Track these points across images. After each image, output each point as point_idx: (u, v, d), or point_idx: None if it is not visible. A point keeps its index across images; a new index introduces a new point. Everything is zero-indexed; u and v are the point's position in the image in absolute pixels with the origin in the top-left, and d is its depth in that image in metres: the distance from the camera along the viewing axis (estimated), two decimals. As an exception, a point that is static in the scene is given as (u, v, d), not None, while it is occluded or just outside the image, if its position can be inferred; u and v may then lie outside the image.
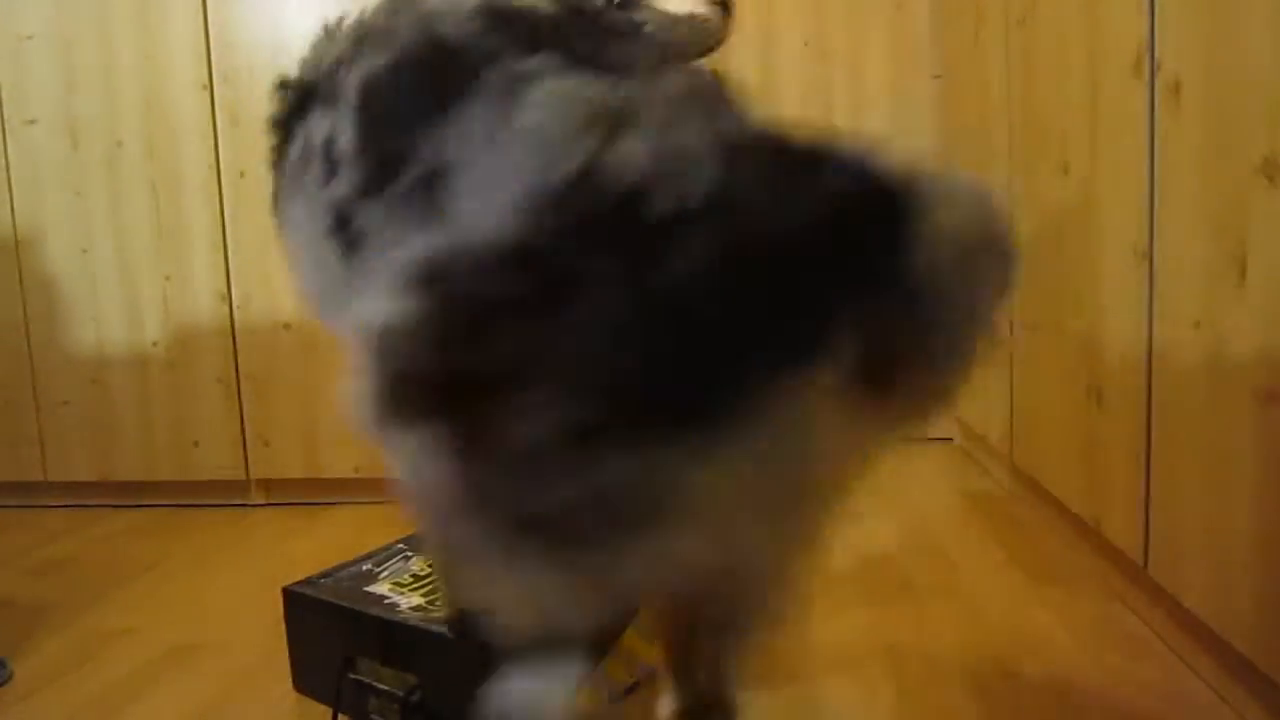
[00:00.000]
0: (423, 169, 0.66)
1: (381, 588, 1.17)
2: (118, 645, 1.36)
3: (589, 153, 0.59)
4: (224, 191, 1.98)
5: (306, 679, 1.20)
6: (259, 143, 0.86)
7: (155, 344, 2.04)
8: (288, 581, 1.23)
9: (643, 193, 0.57)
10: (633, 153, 0.59)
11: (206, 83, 1.96)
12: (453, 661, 1.02)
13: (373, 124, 0.73)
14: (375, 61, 0.73)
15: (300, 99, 0.81)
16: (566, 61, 0.68)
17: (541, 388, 0.56)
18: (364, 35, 0.77)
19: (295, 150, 0.81)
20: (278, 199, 0.86)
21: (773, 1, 2.37)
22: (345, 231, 0.74)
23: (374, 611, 1.10)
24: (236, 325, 2.01)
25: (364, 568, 1.25)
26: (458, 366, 0.59)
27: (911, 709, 1.08)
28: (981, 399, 2.04)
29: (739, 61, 2.40)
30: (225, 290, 2.00)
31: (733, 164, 0.60)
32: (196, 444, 2.04)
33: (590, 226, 0.58)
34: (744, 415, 0.57)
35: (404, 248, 0.64)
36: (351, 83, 0.75)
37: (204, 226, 2.00)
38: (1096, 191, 1.33)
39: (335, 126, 0.75)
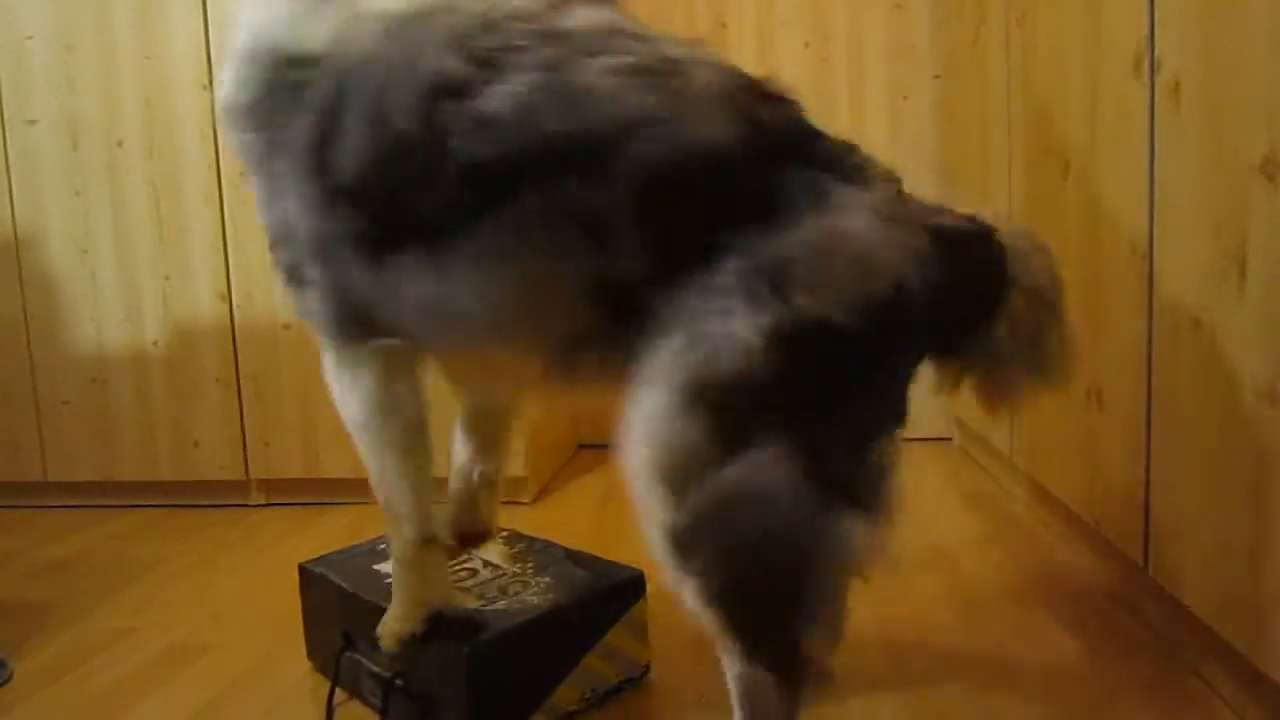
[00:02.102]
0: (748, 263, 0.79)
1: (387, 566, 1.20)
2: (118, 645, 1.36)
3: (898, 270, 0.79)
4: (224, 191, 1.98)
5: (316, 654, 1.25)
6: (259, 143, 0.86)
7: (155, 344, 2.04)
8: (287, 582, 1.24)
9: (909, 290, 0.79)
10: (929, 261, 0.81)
11: (206, 83, 1.96)
12: (429, 650, 1.04)
13: (659, 212, 0.81)
14: (652, 149, 0.80)
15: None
16: (826, 169, 0.84)
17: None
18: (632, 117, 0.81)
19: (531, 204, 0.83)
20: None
21: (773, 1, 2.38)
22: (616, 301, 0.84)
23: (368, 595, 1.13)
24: (236, 325, 2.01)
25: (378, 547, 1.28)
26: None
27: (912, 709, 1.08)
28: (981, 399, 2.04)
29: (739, 62, 2.40)
30: (225, 290, 2.00)
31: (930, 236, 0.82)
32: (196, 444, 2.04)
33: (902, 327, 0.81)
34: None
35: (737, 318, 0.78)
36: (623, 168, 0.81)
37: (204, 226, 2.00)
38: (1096, 191, 1.33)
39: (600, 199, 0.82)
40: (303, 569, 1.25)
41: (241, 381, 2.02)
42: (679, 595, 0.81)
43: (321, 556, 1.27)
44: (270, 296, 1.99)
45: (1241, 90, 0.94)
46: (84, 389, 2.06)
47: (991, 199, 1.90)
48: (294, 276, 0.96)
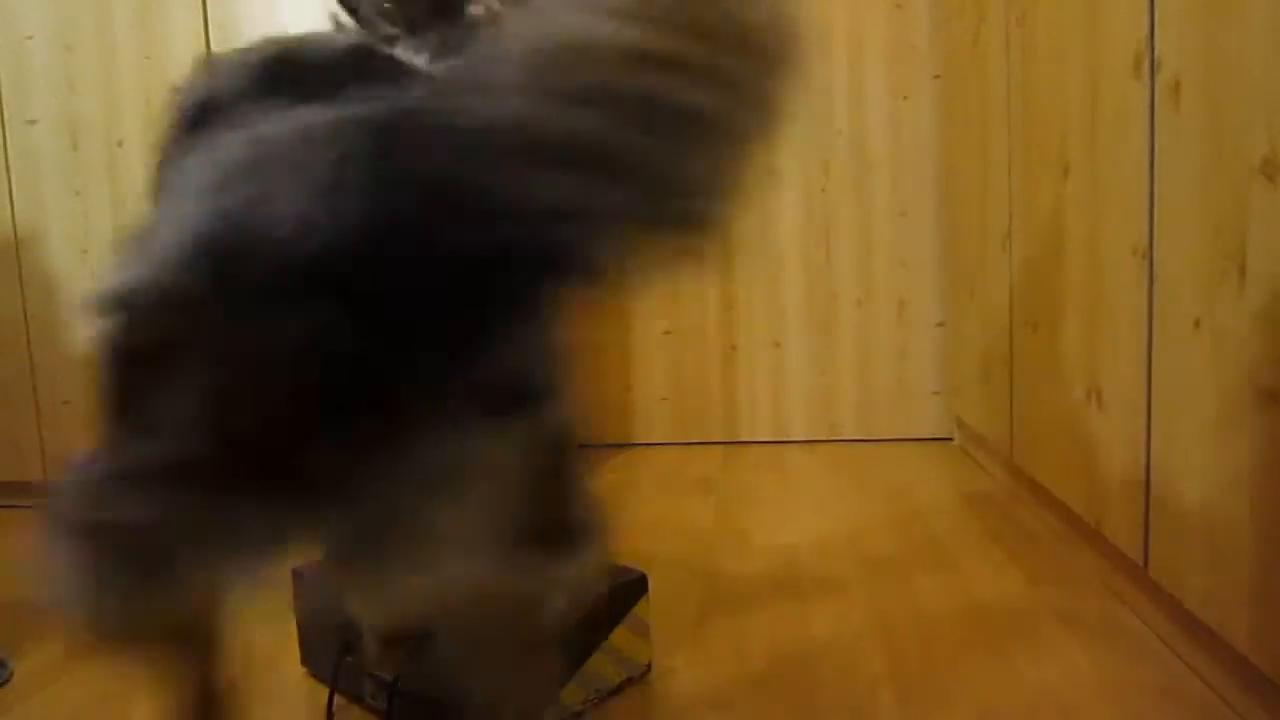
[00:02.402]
0: (151, 213, 0.66)
1: None
2: (118, 645, 1.36)
3: (216, 205, 0.55)
4: (224, 191, 1.99)
5: (311, 659, 1.23)
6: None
7: (155, 344, 2.04)
8: (286, 581, 1.23)
9: (269, 244, 0.52)
10: (253, 203, 0.54)
11: (206, 83, 1.96)
12: (430, 651, 1.03)
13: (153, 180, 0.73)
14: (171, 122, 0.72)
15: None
16: (307, 99, 0.61)
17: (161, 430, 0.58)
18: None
19: None
20: None
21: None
22: None
23: None
24: (236, 325, 2.01)
25: None
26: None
27: (912, 709, 1.08)
28: (981, 399, 2.04)
29: (739, 61, 2.40)
30: (225, 290, 2.00)
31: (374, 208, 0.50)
32: (196, 444, 2.04)
33: (218, 279, 0.54)
34: (347, 479, 0.54)
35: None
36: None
37: (204, 226, 2.00)
38: (1096, 191, 1.33)
39: None
40: (295, 573, 1.24)
41: (241, 381, 2.02)
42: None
43: (314, 560, 1.26)
44: (270, 296, 1.99)
45: (1241, 90, 0.94)
46: (84, 389, 2.06)
47: (991, 199, 1.90)
48: None
